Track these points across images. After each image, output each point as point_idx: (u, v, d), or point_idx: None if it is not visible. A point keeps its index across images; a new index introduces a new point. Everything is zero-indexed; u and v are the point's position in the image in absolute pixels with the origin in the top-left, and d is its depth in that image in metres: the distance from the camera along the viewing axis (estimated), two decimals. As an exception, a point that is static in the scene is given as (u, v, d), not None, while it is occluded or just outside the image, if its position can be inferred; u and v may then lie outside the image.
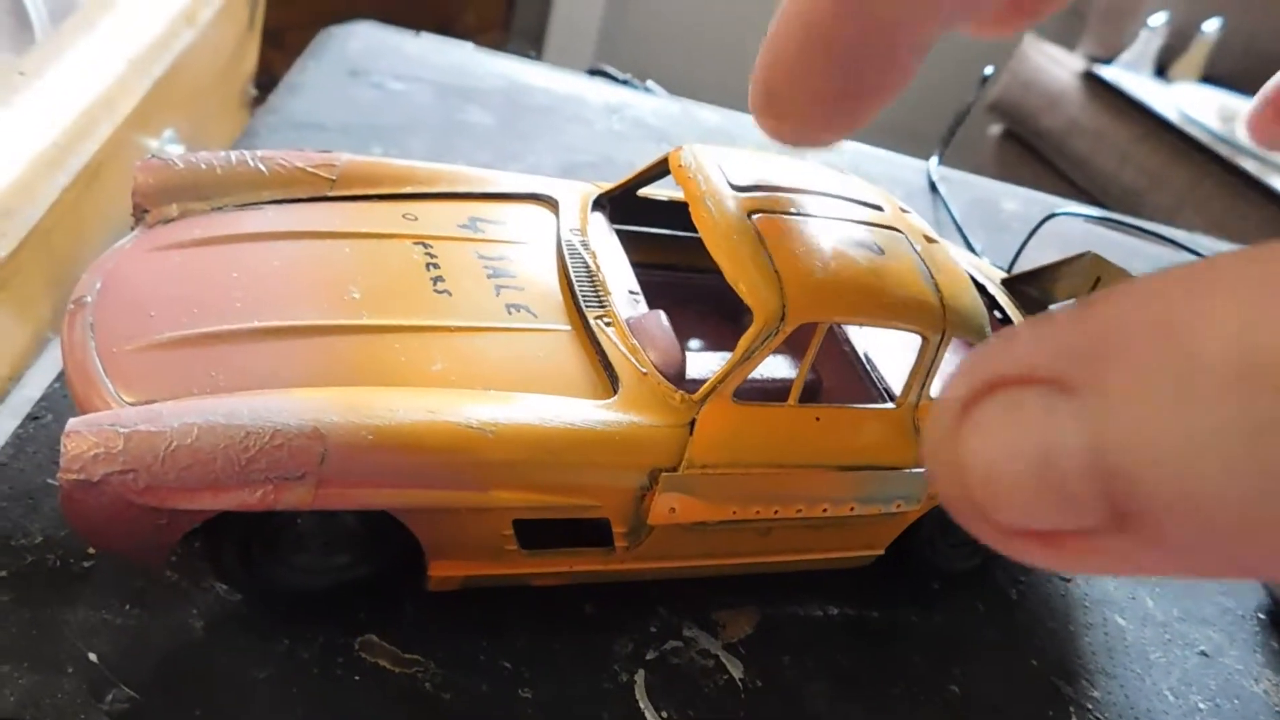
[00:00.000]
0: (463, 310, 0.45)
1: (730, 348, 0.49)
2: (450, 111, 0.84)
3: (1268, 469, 0.18)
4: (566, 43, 3.13)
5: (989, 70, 1.16)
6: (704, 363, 0.46)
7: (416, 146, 0.78)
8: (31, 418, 0.48)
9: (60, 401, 0.49)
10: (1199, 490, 0.19)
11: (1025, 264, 0.74)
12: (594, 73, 1.04)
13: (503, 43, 2.96)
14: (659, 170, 0.51)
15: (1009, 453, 0.22)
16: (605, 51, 3.17)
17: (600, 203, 0.54)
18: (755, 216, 0.44)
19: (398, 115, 0.81)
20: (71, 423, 0.36)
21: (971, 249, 0.85)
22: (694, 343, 0.52)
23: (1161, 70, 2.58)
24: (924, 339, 0.45)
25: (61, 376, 0.50)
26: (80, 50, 0.64)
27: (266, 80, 1.07)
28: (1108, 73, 2.45)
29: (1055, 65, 2.57)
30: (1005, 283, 0.60)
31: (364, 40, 0.90)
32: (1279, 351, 0.18)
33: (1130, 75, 2.47)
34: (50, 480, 0.45)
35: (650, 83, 1.05)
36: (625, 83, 1.04)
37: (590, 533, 0.43)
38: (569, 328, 0.46)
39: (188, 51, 0.74)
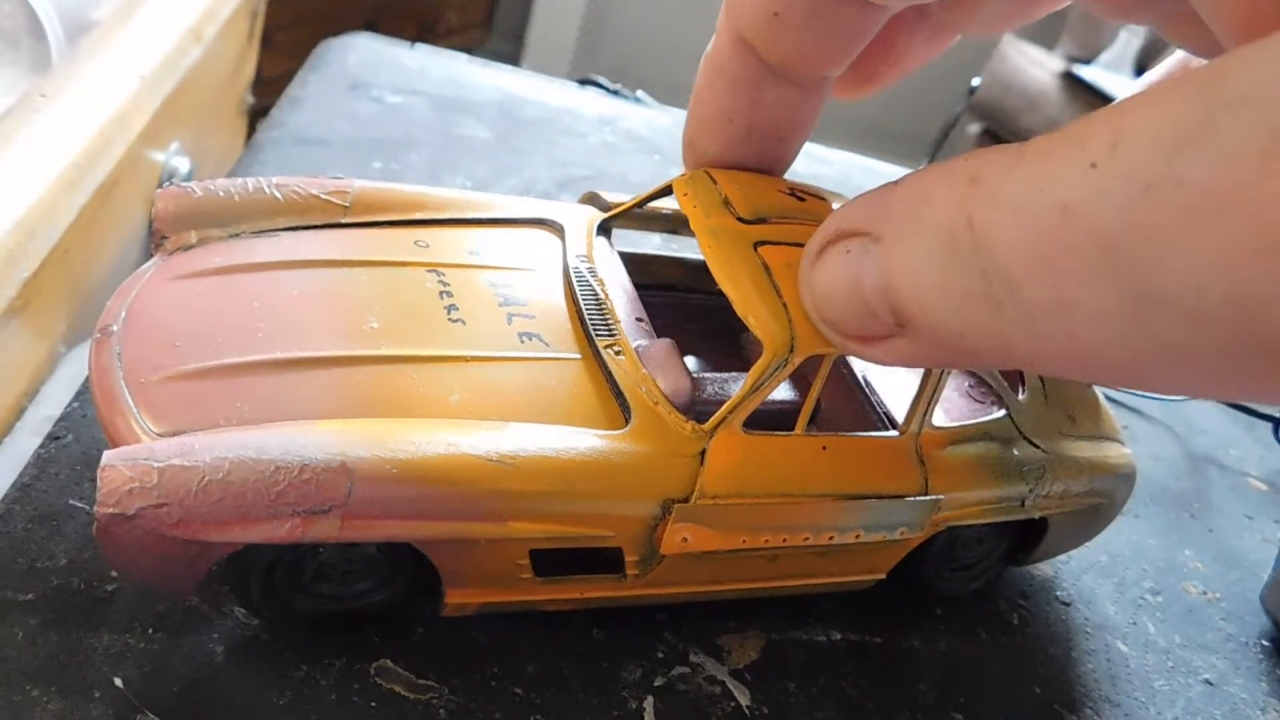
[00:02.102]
0: (477, 340, 0.46)
1: (731, 368, 0.50)
2: (448, 126, 0.85)
3: (956, 298, 0.27)
4: (547, 43, 3.13)
5: (976, 81, 1.17)
6: (707, 385, 0.47)
7: (416, 161, 0.78)
8: (52, 438, 0.49)
9: (80, 421, 0.50)
10: (930, 309, 0.28)
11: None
12: (585, 82, 1.05)
13: (484, 41, 2.96)
14: (662, 195, 0.51)
15: (837, 281, 0.32)
16: (585, 50, 3.17)
17: (604, 227, 0.55)
18: (761, 248, 0.44)
19: (397, 129, 0.82)
20: (107, 456, 0.36)
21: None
22: (693, 361, 0.52)
23: (1141, 71, 2.60)
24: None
25: (80, 396, 0.51)
26: (96, 70, 0.64)
27: (256, 78, 1.07)
28: (1087, 73, 2.47)
29: (1034, 65, 2.58)
30: None
31: (362, 52, 0.91)
32: (970, 222, 0.26)
33: (1110, 75, 2.48)
34: (73, 501, 0.46)
35: (640, 93, 1.06)
36: (615, 93, 1.04)
37: (602, 559, 0.44)
38: (580, 356, 0.46)
39: (194, 67, 0.75)
